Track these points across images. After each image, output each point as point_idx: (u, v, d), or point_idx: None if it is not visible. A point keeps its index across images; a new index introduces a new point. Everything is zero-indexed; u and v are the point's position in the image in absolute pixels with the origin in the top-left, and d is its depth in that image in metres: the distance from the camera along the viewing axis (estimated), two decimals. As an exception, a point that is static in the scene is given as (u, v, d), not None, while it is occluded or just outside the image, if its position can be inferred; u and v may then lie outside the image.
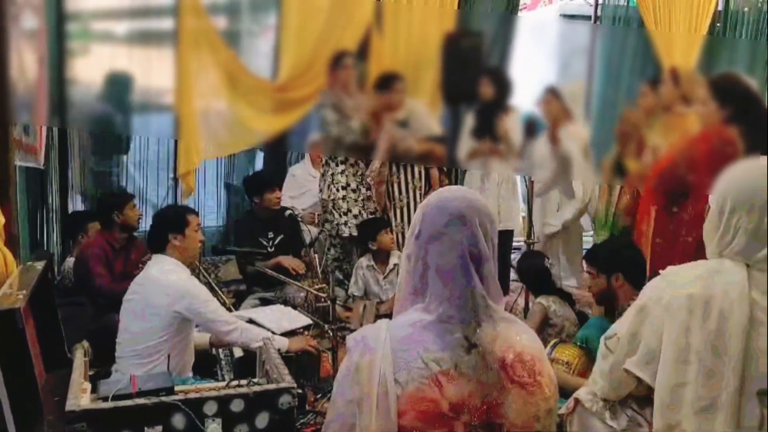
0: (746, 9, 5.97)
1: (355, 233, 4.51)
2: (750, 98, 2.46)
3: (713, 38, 5.51)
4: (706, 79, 2.58)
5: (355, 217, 4.53)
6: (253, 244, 4.34)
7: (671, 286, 1.63)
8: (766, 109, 2.48)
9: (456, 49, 2.88)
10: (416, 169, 4.61)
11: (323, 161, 4.68)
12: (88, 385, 2.11)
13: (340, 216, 4.54)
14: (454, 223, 1.41)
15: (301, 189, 5.07)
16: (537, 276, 3.77)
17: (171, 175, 5.26)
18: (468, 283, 1.39)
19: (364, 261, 4.40)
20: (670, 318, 1.59)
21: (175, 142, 5.03)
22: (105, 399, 1.95)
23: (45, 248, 4.49)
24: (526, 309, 3.91)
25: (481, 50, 3.01)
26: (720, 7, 5.79)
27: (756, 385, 1.50)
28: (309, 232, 4.36)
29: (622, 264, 2.94)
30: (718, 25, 5.85)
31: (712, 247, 1.62)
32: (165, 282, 2.80)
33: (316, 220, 4.84)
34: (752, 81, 2.58)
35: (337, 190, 4.56)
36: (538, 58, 2.97)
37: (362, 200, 4.58)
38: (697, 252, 1.72)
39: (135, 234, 4.05)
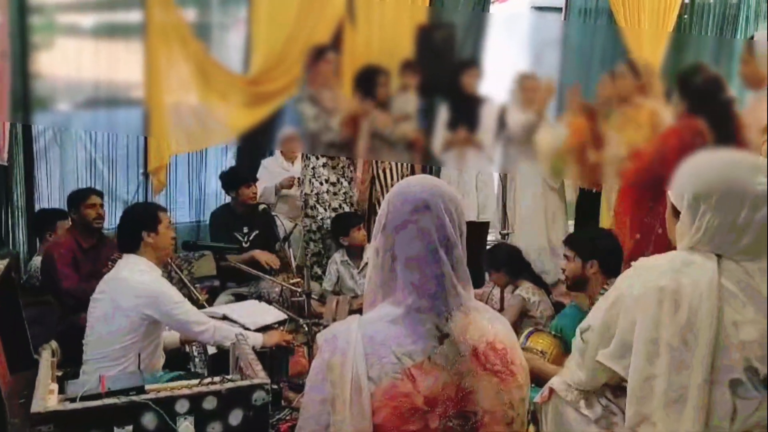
0: (711, 1, 6.06)
1: (338, 227, 4.50)
2: (708, 88, 2.49)
3: (681, 34, 5.59)
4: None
5: (335, 210, 4.52)
6: (229, 238, 4.30)
7: (642, 278, 1.63)
8: (726, 99, 2.51)
9: (429, 41, 2.88)
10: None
11: (304, 155, 4.65)
12: (55, 386, 2.06)
13: (325, 210, 4.53)
14: (419, 210, 1.40)
15: (273, 181, 5.06)
16: (511, 259, 3.80)
17: (141, 171, 5.19)
18: (438, 269, 1.39)
19: (338, 256, 4.39)
20: (641, 310, 1.60)
21: (145, 137, 4.96)
22: (73, 400, 1.90)
23: (10, 247, 4.39)
24: (501, 304, 3.92)
25: (454, 42, 3.01)
26: (686, -1, 5.89)
27: (726, 376, 1.51)
28: (283, 226, 4.33)
29: (599, 252, 2.97)
30: (685, 16, 5.93)
31: (683, 244, 1.63)
32: (135, 284, 2.74)
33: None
34: (715, 71, 2.61)
35: (321, 183, 4.54)
36: (511, 50, 2.97)
37: (343, 193, 4.58)
38: (670, 245, 1.73)
39: (104, 232, 3.96)
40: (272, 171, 5.10)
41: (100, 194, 3.95)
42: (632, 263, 1.73)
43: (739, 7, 6.17)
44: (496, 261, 3.84)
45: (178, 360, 3.05)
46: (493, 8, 5.82)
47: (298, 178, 4.81)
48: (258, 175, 4.91)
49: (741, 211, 1.52)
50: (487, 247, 4.78)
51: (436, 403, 1.34)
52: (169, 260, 3.41)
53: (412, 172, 4.85)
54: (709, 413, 1.52)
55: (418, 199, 1.41)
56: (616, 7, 5.51)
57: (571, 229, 5.03)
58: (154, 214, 2.90)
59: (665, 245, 1.74)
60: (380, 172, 4.79)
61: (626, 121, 2.69)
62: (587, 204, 4.90)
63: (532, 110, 2.92)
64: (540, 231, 4.87)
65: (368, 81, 2.81)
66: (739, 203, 1.53)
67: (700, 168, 1.61)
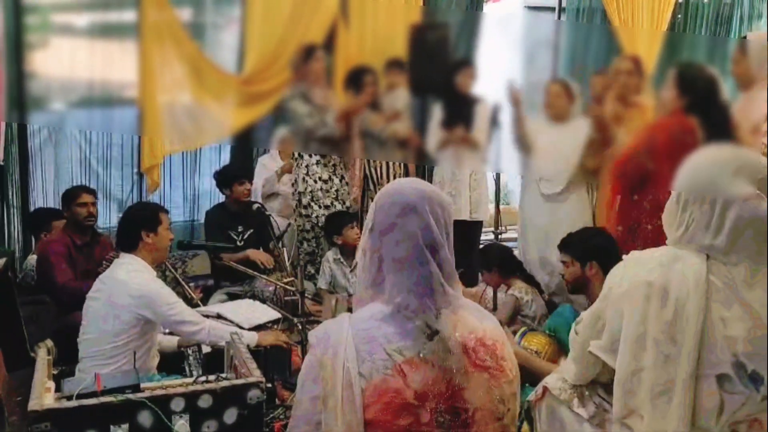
0: (705, 0, 6.09)
1: (333, 225, 4.50)
2: (711, 90, 2.51)
3: (675, 33, 5.62)
4: (675, 66, 2.61)
5: (327, 208, 4.53)
6: (223, 237, 4.31)
7: (631, 272, 1.66)
8: (725, 102, 2.53)
9: (422, 40, 2.89)
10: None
11: (295, 153, 4.65)
12: (51, 384, 2.07)
13: (320, 208, 4.53)
14: (405, 213, 1.43)
15: (273, 172, 5.07)
16: (503, 258, 3.81)
17: (135, 170, 5.19)
18: (425, 270, 1.41)
19: (331, 255, 4.40)
20: (629, 304, 1.62)
21: (140, 136, 4.97)
22: (69, 398, 1.91)
23: (5, 246, 4.39)
24: (494, 304, 3.93)
25: (447, 42, 3.02)
26: (680, -1, 5.91)
27: (714, 370, 1.53)
28: (277, 225, 4.34)
29: (596, 252, 2.95)
30: (679, 16, 5.96)
31: (669, 239, 1.66)
32: (130, 284, 2.75)
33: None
34: (714, 72, 2.64)
35: (315, 181, 4.54)
36: (503, 50, 2.98)
37: (335, 191, 4.58)
38: (657, 240, 1.75)
39: (100, 231, 3.97)
40: (270, 169, 5.13)
41: (92, 192, 3.95)
42: (623, 257, 1.75)
43: (732, 7, 6.20)
44: (488, 261, 3.85)
45: (173, 360, 3.05)
46: (487, 8, 5.83)
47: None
48: (256, 172, 4.94)
49: (714, 210, 1.55)
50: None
51: (426, 398, 1.36)
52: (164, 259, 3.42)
53: (406, 171, 4.87)
54: (696, 407, 1.54)
55: (404, 202, 1.44)
56: (609, 7, 5.53)
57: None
58: (155, 214, 2.91)
59: (651, 239, 1.77)
60: (372, 170, 4.80)
61: (634, 119, 2.70)
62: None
63: (552, 115, 2.94)
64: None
65: (358, 80, 2.82)
66: (714, 201, 1.55)
67: (690, 164, 1.64)
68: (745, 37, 5.65)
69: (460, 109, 2.88)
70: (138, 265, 2.82)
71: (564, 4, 5.98)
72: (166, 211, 3.06)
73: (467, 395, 1.39)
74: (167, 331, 3.10)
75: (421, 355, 1.37)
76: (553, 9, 6.04)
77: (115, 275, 2.81)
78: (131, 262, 2.83)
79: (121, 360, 2.72)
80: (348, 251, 4.35)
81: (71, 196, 3.84)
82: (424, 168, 5.24)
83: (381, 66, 2.81)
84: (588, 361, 1.80)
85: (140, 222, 2.88)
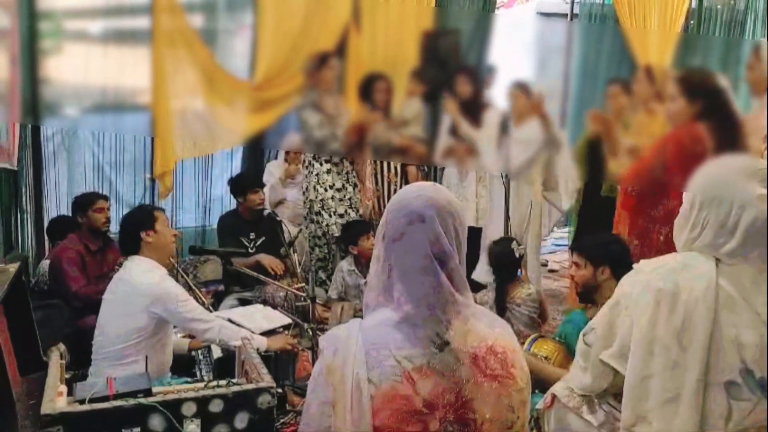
0: (719, 6, 6.06)
1: (343, 233, 4.51)
2: (719, 95, 2.50)
3: (688, 35, 5.59)
4: (676, 74, 2.60)
5: (341, 216, 4.54)
6: (236, 243, 4.33)
7: (642, 279, 1.67)
8: (735, 106, 2.52)
9: (434, 47, 2.89)
10: (392, 163, 4.67)
11: (306, 161, 4.66)
12: (64, 388, 2.09)
13: (330, 216, 4.54)
14: (413, 223, 1.41)
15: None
16: (496, 257, 3.76)
17: (148, 176, 5.23)
18: (434, 280, 1.40)
19: (345, 265, 4.37)
20: (638, 311, 1.63)
21: (152, 143, 5.01)
22: (81, 401, 1.92)
23: (19, 250, 4.42)
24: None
25: (459, 48, 3.02)
26: (693, 5, 5.88)
27: (722, 376, 1.53)
28: (288, 231, 4.36)
29: (611, 258, 2.86)
30: (692, 22, 5.94)
31: (681, 241, 1.66)
32: (141, 282, 2.78)
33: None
34: (723, 77, 2.63)
35: (325, 189, 4.55)
36: (515, 57, 2.98)
37: (348, 199, 4.59)
38: (669, 249, 1.75)
39: (111, 235, 4.00)
40: (276, 176, 5.16)
41: (106, 198, 4.02)
42: (633, 265, 1.75)
43: (746, 14, 6.16)
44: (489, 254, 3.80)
45: (184, 364, 3.07)
46: (498, 14, 5.83)
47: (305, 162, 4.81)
48: (264, 179, 4.97)
49: (730, 212, 1.56)
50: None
51: (435, 406, 1.35)
52: (175, 264, 3.44)
53: (405, 180, 4.84)
54: (704, 414, 1.54)
55: (412, 212, 1.42)
56: (622, 13, 5.52)
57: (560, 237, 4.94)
58: (150, 213, 2.97)
59: (663, 250, 1.77)
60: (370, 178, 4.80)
61: (642, 128, 2.69)
62: (592, 213, 4.71)
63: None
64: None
65: (369, 88, 2.83)
66: (729, 204, 1.57)
67: (707, 169, 1.65)
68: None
69: (469, 115, 2.88)
70: (149, 265, 2.86)
71: (576, 11, 5.98)
72: (162, 210, 3.11)
73: (476, 405, 1.38)
74: (180, 335, 3.11)
75: (431, 364, 1.37)
76: (565, 15, 6.04)
77: (126, 275, 2.85)
78: (141, 261, 2.87)
79: (132, 360, 2.74)
80: (363, 262, 4.32)
81: (87, 202, 3.89)
82: (434, 175, 5.23)
83: (393, 72, 2.82)
84: (601, 372, 1.80)
85: (137, 223, 2.92)
